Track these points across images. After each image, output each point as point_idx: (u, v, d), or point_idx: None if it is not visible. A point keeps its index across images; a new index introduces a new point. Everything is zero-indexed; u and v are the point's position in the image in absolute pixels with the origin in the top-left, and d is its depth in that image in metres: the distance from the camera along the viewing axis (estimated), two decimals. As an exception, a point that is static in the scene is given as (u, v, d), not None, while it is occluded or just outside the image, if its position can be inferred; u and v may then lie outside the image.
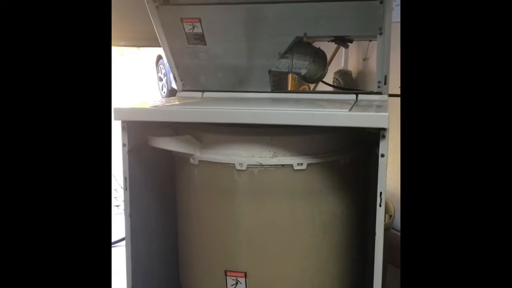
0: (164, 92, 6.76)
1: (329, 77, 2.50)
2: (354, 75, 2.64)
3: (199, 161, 1.22)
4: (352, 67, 2.68)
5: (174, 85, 1.62)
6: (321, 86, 2.14)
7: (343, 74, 2.59)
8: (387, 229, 1.76)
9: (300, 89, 2.77)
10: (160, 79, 6.94)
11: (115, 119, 1.18)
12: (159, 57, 6.80)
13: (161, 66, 6.78)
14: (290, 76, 2.79)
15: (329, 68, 2.00)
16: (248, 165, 1.16)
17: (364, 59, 2.55)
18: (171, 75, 1.62)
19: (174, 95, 1.67)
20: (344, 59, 2.65)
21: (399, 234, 2.21)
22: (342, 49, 2.63)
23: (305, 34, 1.40)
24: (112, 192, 2.94)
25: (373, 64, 2.37)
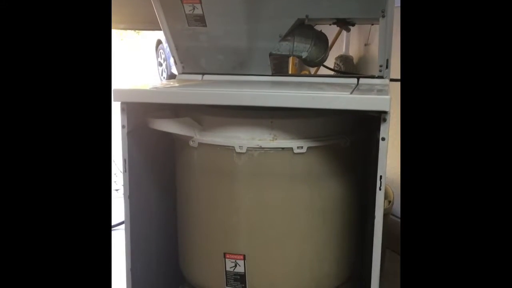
0: (164, 77, 6.73)
1: (330, 63, 2.49)
2: (355, 61, 2.63)
3: (199, 143, 1.21)
4: (354, 52, 2.66)
5: (174, 70, 1.61)
6: (322, 71, 2.12)
7: (344, 59, 2.57)
8: (386, 214, 1.76)
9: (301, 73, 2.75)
10: (160, 64, 6.90)
11: (114, 100, 1.17)
12: (159, 42, 6.75)
13: (161, 51, 6.74)
14: (291, 60, 2.78)
15: (330, 53, 1.99)
16: (248, 147, 1.15)
17: (366, 45, 2.53)
18: (171, 60, 1.61)
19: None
20: (346, 44, 2.63)
21: (398, 220, 2.22)
22: (344, 34, 2.61)
23: (306, 16, 1.38)
24: (111, 176, 2.94)
25: (374, 50, 2.36)
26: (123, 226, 1.32)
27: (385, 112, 1.02)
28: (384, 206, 1.42)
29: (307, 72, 2.73)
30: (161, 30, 1.54)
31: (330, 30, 1.98)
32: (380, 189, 1.05)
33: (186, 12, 1.45)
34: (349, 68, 2.55)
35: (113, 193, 2.72)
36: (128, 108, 1.21)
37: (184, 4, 1.44)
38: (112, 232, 2.18)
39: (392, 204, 1.80)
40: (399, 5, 1.47)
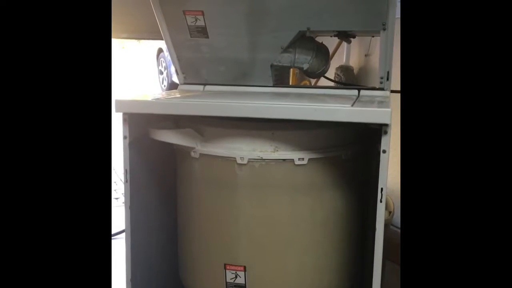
0: (165, 86, 6.74)
1: (330, 73, 2.50)
2: (355, 71, 2.64)
3: (200, 154, 1.22)
4: (354, 63, 2.67)
5: (174, 79, 1.61)
6: (322, 82, 2.13)
7: (344, 69, 2.58)
8: (386, 225, 1.76)
9: (302, 84, 2.76)
10: (161, 73, 6.92)
11: (116, 111, 1.18)
12: (160, 50, 6.78)
13: (162, 59, 6.76)
14: (291, 71, 2.78)
15: (331, 64, 1.99)
16: (249, 159, 1.16)
17: (366, 55, 2.54)
18: (172, 69, 1.61)
19: (175, 89, 1.66)
20: (346, 55, 2.64)
21: (398, 230, 2.21)
22: (344, 44, 2.62)
23: (308, 28, 1.39)
24: (111, 184, 2.93)
25: (375, 60, 2.37)
26: (123, 235, 1.32)
27: (386, 125, 1.02)
28: (384, 217, 1.42)
29: (307, 83, 2.74)
30: (162, 39, 1.55)
31: (330, 41, 2.00)
32: (381, 201, 1.05)
33: (188, 24, 1.46)
34: (349, 79, 2.56)
35: (113, 201, 2.72)
36: (130, 119, 1.21)
37: (187, 16, 1.45)
38: (112, 241, 2.17)
39: (393, 214, 1.80)
40: (399, 16, 1.49)
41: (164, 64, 6.69)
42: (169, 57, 1.60)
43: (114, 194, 2.85)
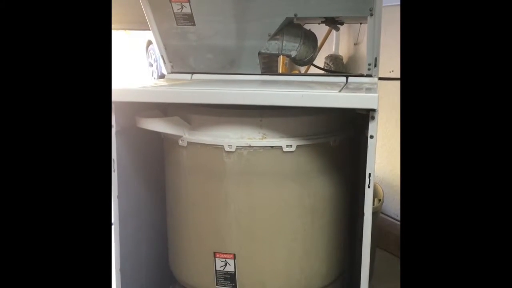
0: (155, 78, 6.71)
1: (320, 61, 2.49)
2: (345, 60, 2.64)
3: (188, 143, 1.21)
4: (343, 52, 2.67)
5: (164, 71, 1.60)
6: (312, 70, 2.13)
7: (334, 59, 2.58)
8: (375, 212, 1.77)
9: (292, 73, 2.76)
10: (151, 65, 6.87)
11: (102, 99, 1.16)
12: (149, 43, 6.73)
13: (151, 51, 6.71)
14: (281, 60, 2.78)
15: (320, 53, 1.99)
16: (237, 146, 1.15)
17: (355, 44, 2.54)
18: (161, 61, 1.60)
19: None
20: (335, 44, 2.64)
21: (388, 219, 2.23)
22: (333, 33, 2.61)
23: (295, 15, 1.38)
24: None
25: (364, 49, 2.37)
26: (112, 226, 1.31)
27: (373, 110, 1.02)
28: (374, 204, 1.42)
29: (297, 72, 2.74)
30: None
31: (320, 30, 1.99)
32: (369, 186, 1.06)
33: (175, 11, 1.45)
34: (338, 68, 2.56)
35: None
36: (117, 108, 1.20)
37: (173, 3, 1.43)
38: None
39: (382, 202, 1.80)
40: (388, 4, 1.48)
41: (153, 56, 6.65)
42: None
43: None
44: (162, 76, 6.22)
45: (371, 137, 1.04)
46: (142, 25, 1.64)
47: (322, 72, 1.87)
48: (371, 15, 1.31)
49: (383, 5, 1.32)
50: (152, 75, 6.85)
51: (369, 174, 1.05)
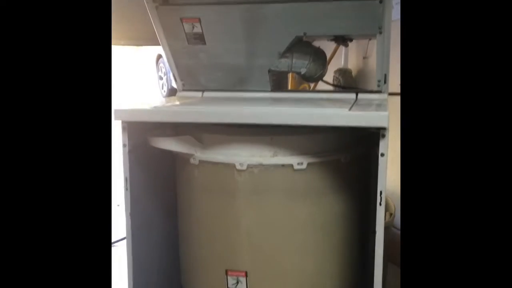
0: (165, 91, 6.75)
1: (329, 76, 2.50)
2: (354, 73, 2.64)
3: (200, 161, 1.22)
4: (352, 65, 2.68)
5: (174, 84, 1.62)
6: (321, 85, 2.14)
7: (343, 72, 2.59)
8: (387, 227, 1.76)
9: (300, 88, 2.77)
10: (161, 78, 6.93)
11: (115, 119, 1.18)
12: (159, 56, 6.79)
13: (161, 65, 6.77)
14: (290, 75, 2.79)
15: (329, 67, 2.00)
16: (248, 164, 1.16)
17: (364, 58, 2.55)
18: (171, 74, 1.62)
19: (174, 94, 1.67)
20: (344, 58, 2.65)
21: (399, 232, 2.21)
22: (342, 47, 2.62)
23: (304, 33, 1.40)
24: (111, 191, 2.93)
25: (373, 62, 2.37)
26: (124, 241, 1.32)
27: (384, 128, 1.03)
28: (385, 219, 1.42)
29: (306, 86, 2.74)
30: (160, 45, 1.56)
31: (328, 44, 2.00)
32: (380, 204, 1.06)
33: (186, 31, 1.47)
34: (348, 81, 2.57)
35: (115, 208, 2.72)
36: (129, 127, 1.22)
37: (184, 23, 1.46)
38: (115, 248, 2.18)
39: (394, 216, 1.80)
40: (397, 18, 1.49)
41: (163, 70, 6.70)
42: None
43: (114, 201, 2.84)
44: (172, 89, 6.27)
45: (382, 155, 1.05)
46: (153, 41, 1.67)
47: (331, 88, 1.88)
48: (380, 33, 1.32)
49: (393, 19, 1.33)
50: (162, 88, 6.90)
51: (380, 192, 1.05)
